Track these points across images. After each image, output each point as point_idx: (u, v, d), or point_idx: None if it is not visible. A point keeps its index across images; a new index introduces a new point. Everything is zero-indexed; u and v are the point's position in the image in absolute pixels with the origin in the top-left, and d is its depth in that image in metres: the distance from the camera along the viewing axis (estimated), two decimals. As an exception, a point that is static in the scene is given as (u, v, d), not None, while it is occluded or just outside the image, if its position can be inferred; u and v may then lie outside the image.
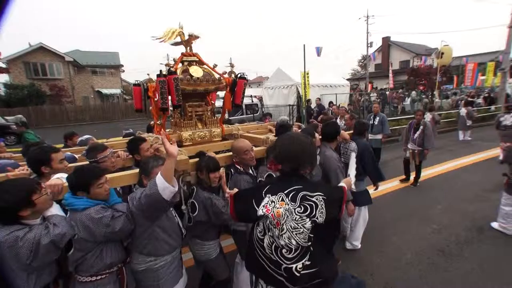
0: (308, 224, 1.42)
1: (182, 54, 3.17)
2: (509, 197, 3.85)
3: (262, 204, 1.49)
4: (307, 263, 1.42)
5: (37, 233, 1.57)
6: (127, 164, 2.66)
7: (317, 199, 1.46)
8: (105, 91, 32.20)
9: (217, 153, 2.80)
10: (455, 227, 4.10)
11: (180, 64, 3.15)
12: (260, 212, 1.48)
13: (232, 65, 3.27)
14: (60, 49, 28.84)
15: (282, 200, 1.47)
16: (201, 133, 3.14)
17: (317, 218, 1.43)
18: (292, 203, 1.45)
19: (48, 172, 2.12)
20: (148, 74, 3.34)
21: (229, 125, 3.66)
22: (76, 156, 2.94)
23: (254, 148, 2.69)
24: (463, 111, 10.19)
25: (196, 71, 3.06)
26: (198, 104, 3.22)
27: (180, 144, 3.05)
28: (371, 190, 3.74)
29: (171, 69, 2.83)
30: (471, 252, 3.51)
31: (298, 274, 1.41)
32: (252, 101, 13.39)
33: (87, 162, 2.46)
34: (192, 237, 2.44)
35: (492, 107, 15.47)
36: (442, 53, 15.20)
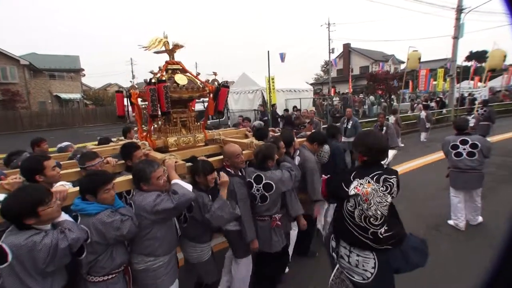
0: (389, 199, 1.89)
1: (167, 62, 3.28)
2: (453, 190, 4.24)
3: (352, 186, 1.93)
4: (386, 228, 1.89)
5: (54, 238, 1.64)
6: (116, 170, 2.71)
7: (393, 180, 1.92)
8: (64, 96, 30.57)
9: (208, 157, 2.93)
10: (413, 226, 4.15)
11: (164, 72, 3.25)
12: (351, 192, 1.91)
13: (215, 74, 3.43)
14: (15, 51, 27.05)
15: (369, 182, 1.91)
16: (186, 139, 3.26)
17: (393, 194, 1.91)
18: (377, 184, 1.90)
19: (42, 180, 2.14)
20: (131, 82, 3.41)
21: (210, 131, 3.80)
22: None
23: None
24: (423, 114, 11.11)
25: (181, 79, 3.18)
26: (182, 110, 3.35)
27: (165, 149, 3.15)
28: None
29: (157, 77, 2.93)
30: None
31: (381, 236, 1.89)
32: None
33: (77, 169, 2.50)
34: (186, 238, 2.55)
35: (444, 110, 16.96)
36: (408, 58, 16.49)
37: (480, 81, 24.30)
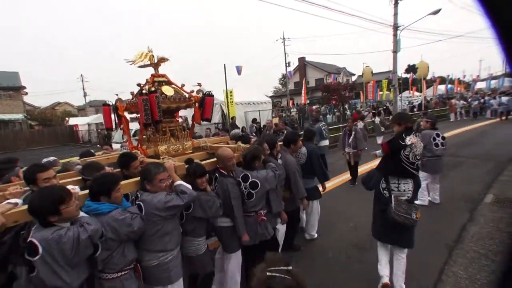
0: (422, 145, 3.04)
1: (153, 75, 3.43)
2: (425, 175, 5.05)
3: (407, 140, 2.90)
4: (419, 162, 2.97)
5: (75, 231, 1.79)
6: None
7: (418, 136, 3.02)
8: (2, 116, 27.61)
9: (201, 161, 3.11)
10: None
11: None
12: (408, 143, 2.88)
13: (199, 84, 3.66)
14: None
15: (414, 136, 2.92)
16: (175, 147, 3.43)
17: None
18: (418, 138, 2.96)
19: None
20: (117, 95, 3.49)
21: (196, 139, 3.99)
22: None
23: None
24: (377, 119, 12.42)
25: (168, 90, 3.36)
26: (170, 120, 3.50)
27: (157, 157, 3.27)
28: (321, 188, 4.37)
29: (148, 88, 3.08)
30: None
31: (418, 167, 2.99)
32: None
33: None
34: (184, 234, 2.66)
35: (390, 117, 18.74)
36: (363, 73, 18.01)
37: (417, 91, 27.28)
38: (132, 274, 2.21)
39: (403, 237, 2.94)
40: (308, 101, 21.25)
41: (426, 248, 3.68)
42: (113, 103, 3.43)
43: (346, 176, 7.28)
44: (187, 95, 3.56)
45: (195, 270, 2.84)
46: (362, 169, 7.35)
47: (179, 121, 3.83)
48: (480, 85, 32.50)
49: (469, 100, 22.22)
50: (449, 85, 30.22)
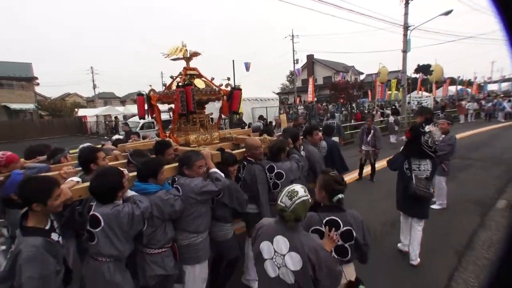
0: (440, 132, 3.66)
1: (185, 68, 3.64)
2: (444, 178, 5.06)
3: (426, 127, 3.40)
4: (436, 146, 3.51)
5: (130, 207, 2.05)
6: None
7: (437, 125, 3.75)
8: (14, 106, 28.14)
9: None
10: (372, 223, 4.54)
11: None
12: (427, 130, 3.38)
13: (228, 79, 3.86)
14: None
15: (433, 126, 3.46)
16: (204, 136, 3.65)
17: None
18: (435, 127, 3.48)
19: (96, 169, 2.46)
20: (150, 85, 3.70)
21: (221, 130, 4.20)
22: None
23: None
24: (391, 118, 12.48)
25: (199, 83, 3.56)
26: (200, 111, 3.70)
27: (187, 146, 3.47)
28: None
29: (185, 80, 3.29)
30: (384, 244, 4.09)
31: (436, 150, 3.51)
32: None
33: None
34: (213, 219, 2.84)
35: (399, 117, 18.78)
36: (379, 73, 18.07)
37: (426, 91, 27.20)
38: (171, 252, 2.42)
39: (420, 210, 3.54)
40: (315, 99, 21.30)
41: (435, 253, 3.73)
42: (147, 93, 3.64)
43: (354, 175, 7.35)
44: (216, 88, 3.75)
45: (220, 255, 3.00)
46: (378, 165, 7.38)
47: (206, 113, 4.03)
48: (492, 87, 32.20)
49: (482, 102, 22.06)
50: (460, 86, 29.97)
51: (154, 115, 3.66)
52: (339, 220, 2.05)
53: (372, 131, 6.92)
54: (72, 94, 47.16)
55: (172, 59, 3.60)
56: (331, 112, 20.29)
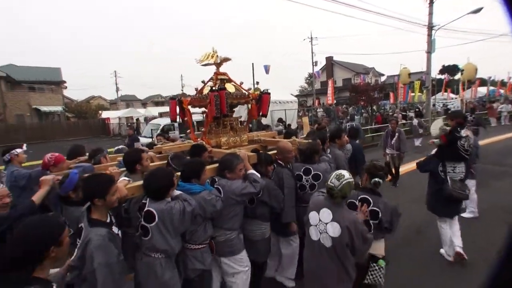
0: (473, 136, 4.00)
1: (216, 73, 3.75)
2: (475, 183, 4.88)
3: (462, 132, 3.53)
4: (471, 146, 3.72)
5: (181, 204, 2.18)
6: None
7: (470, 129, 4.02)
8: (44, 108, 29.43)
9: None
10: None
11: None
12: (463, 135, 3.50)
13: (257, 83, 3.94)
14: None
15: (467, 129, 3.66)
16: (234, 139, 3.73)
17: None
18: (470, 131, 3.74)
19: (140, 169, 2.60)
20: (182, 90, 3.85)
21: (249, 133, 4.32)
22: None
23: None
24: (415, 121, 12.15)
25: (230, 87, 3.66)
26: (230, 114, 3.80)
27: (218, 148, 3.57)
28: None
29: (213, 86, 3.41)
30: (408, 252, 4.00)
31: (470, 153, 3.67)
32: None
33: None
34: (252, 218, 2.92)
35: (423, 120, 18.27)
36: (400, 74, 17.72)
37: (452, 92, 26.24)
38: (209, 248, 2.55)
39: (450, 209, 3.69)
40: (335, 101, 21.08)
41: (471, 266, 3.58)
42: (178, 97, 3.77)
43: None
44: (245, 92, 3.85)
45: (256, 256, 2.98)
46: (403, 169, 7.27)
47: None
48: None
49: None
50: (491, 87, 28.48)
51: (185, 118, 3.76)
52: (370, 200, 2.55)
53: (396, 134, 6.77)
54: (96, 97, 49.05)
55: (202, 65, 3.72)
56: (351, 115, 20.03)
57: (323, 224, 2.28)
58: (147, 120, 22.45)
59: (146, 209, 2.16)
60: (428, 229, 4.44)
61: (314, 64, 29.35)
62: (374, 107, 21.04)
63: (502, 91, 28.42)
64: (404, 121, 16.58)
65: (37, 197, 2.25)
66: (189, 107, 3.77)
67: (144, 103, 49.64)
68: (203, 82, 3.77)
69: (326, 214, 2.28)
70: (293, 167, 3.32)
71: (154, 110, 28.19)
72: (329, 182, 2.27)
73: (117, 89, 40.47)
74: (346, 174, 2.27)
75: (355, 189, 2.56)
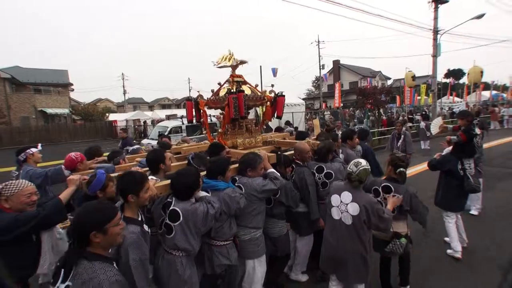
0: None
1: (232, 75, 3.82)
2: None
3: (476, 130, 3.81)
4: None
5: (205, 206, 2.21)
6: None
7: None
8: (50, 111, 29.51)
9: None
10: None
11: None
12: (477, 132, 3.82)
13: (272, 86, 4.07)
14: (-4, 65, 26.10)
15: (477, 128, 3.89)
16: (249, 140, 3.82)
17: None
18: (481, 129, 4.10)
19: (163, 168, 2.67)
20: (198, 91, 3.89)
21: (263, 134, 4.41)
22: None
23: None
24: (422, 124, 12.21)
25: (246, 90, 3.70)
26: (246, 116, 3.83)
27: (235, 148, 3.61)
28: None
29: (237, 87, 3.53)
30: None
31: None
32: (211, 120, 13.75)
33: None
34: (270, 216, 3.04)
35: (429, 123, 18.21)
36: (405, 78, 17.79)
37: (457, 96, 26.14)
38: (233, 245, 2.61)
39: (464, 204, 4.06)
40: (341, 104, 21.06)
41: (477, 268, 3.62)
42: (195, 98, 3.84)
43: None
44: (260, 95, 3.91)
45: (275, 250, 3.13)
46: (409, 171, 7.24)
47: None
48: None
49: None
50: (494, 92, 28.59)
51: (201, 119, 3.82)
52: (391, 187, 2.95)
53: (402, 136, 6.92)
54: (103, 99, 49.39)
55: (219, 67, 3.77)
56: (358, 118, 20.00)
57: (344, 204, 2.63)
58: (154, 122, 22.57)
59: (171, 208, 2.21)
60: (434, 231, 4.48)
61: (321, 67, 29.40)
62: (381, 110, 21.01)
63: (504, 95, 28.44)
64: (411, 124, 16.52)
65: (64, 196, 2.26)
66: (205, 108, 3.83)
67: (151, 106, 49.91)
68: (219, 84, 3.85)
69: (346, 196, 2.63)
70: (309, 164, 3.43)
71: (161, 113, 28.28)
72: (348, 168, 2.66)
73: (124, 92, 40.71)
74: (363, 161, 2.66)
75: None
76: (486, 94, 28.91)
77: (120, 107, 44.51)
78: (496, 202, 5.58)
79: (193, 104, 3.82)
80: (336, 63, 37.74)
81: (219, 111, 4.44)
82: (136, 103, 50.60)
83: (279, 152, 3.38)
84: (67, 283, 1.36)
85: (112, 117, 31.47)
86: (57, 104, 30.86)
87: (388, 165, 3.06)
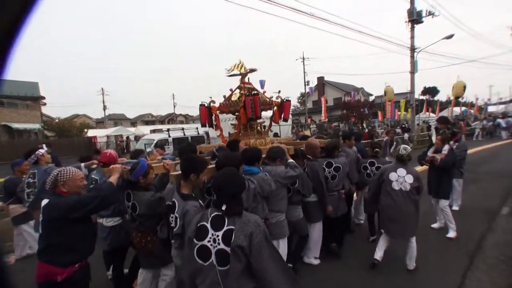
0: None
1: (242, 82, 4.05)
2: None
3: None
4: None
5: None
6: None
7: None
8: (17, 125, 26.74)
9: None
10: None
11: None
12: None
13: (279, 92, 4.33)
14: None
15: None
16: (260, 141, 4.02)
17: None
18: None
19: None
20: (210, 97, 4.06)
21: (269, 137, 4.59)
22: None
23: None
24: (406, 135, 13.08)
25: (256, 95, 3.88)
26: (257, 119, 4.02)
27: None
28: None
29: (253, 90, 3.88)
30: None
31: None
32: (198, 133, 13.59)
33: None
34: (290, 204, 3.34)
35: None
36: (385, 92, 18.52)
37: (433, 112, 27.57)
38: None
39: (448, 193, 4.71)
40: (327, 119, 21.55)
41: (449, 255, 4.07)
42: (208, 104, 4.05)
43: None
44: (268, 100, 4.17)
45: (294, 231, 3.53)
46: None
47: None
48: (492, 108, 33.13)
49: (484, 121, 23.45)
50: (463, 108, 30.67)
51: (214, 123, 4.14)
52: (374, 161, 4.56)
53: (394, 143, 7.56)
54: (80, 115, 46.74)
55: (229, 75, 4.02)
56: (343, 132, 20.52)
57: (402, 177, 3.51)
58: (137, 138, 21.87)
59: None
60: (428, 229, 4.91)
61: (306, 83, 30.12)
62: (364, 124, 21.65)
63: (472, 111, 30.54)
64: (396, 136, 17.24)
65: (113, 180, 2.51)
66: (218, 112, 4.11)
67: (133, 122, 48.30)
68: (230, 90, 4.13)
69: (402, 171, 3.54)
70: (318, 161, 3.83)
71: (144, 129, 27.47)
72: (399, 152, 3.64)
73: (104, 108, 39.28)
74: (407, 147, 3.72)
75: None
76: (457, 110, 30.85)
77: (100, 123, 42.72)
78: (468, 202, 6.26)
79: (207, 109, 4.01)
80: (321, 79, 38.79)
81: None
82: (118, 119, 48.67)
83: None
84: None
85: (90, 133, 30.16)
86: (26, 118, 28.25)
87: (370, 148, 4.61)
